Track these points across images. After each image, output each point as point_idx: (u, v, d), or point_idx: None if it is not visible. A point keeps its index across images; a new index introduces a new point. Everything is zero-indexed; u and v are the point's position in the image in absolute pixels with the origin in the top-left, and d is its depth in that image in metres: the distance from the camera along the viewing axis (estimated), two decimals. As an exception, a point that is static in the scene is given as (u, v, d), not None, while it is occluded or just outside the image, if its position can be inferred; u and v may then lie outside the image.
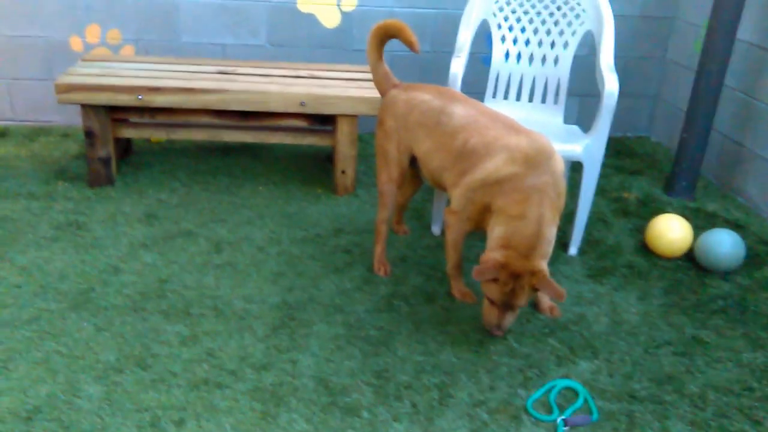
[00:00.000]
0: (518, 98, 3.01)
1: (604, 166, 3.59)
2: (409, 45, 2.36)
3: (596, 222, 3.01)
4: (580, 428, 1.87)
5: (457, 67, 2.68)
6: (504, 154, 2.09)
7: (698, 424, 1.90)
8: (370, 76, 3.30)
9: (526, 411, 1.91)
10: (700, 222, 3.05)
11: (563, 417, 1.88)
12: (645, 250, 2.80)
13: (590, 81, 3.50)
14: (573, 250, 2.75)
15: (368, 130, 3.90)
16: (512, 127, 2.17)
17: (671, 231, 2.70)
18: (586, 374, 2.07)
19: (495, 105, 3.00)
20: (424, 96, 2.35)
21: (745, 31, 3.26)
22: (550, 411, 1.92)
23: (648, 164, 3.73)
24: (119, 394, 1.89)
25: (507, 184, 2.06)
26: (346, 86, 3.11)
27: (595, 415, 1.90)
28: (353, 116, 3.02)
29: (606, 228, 2.98)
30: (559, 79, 2.96)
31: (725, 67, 3.09)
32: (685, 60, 3.81)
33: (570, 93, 3.15)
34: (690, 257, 2.73)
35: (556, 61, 2.95)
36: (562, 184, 2.10)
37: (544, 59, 2.97)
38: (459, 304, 2.38)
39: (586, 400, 1.96)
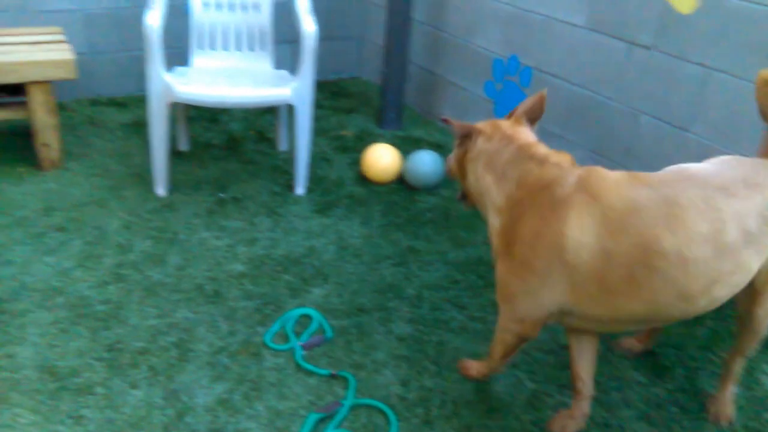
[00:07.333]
0: (226, 48, 3.00)
1: (323, 108, 3.75)
2: None
3: (320, 161, 3.16)
4: (319, 348, 2.00)
5: (153, 19, 2.56)
6: None
7: (417, 320, 2.16)
8: (60, 37, 3.01)
9: (265, 345, 1.99)
10: (409, 148, 3.35)
11: (300, 342, 2.00)
12: (363, 180, 3.02)
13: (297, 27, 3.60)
14: (300, 190, 2.87)
15: (71, 97, 3.58)
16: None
17: (381, 159, 2.95)
18: (318, 300, 2.21)
19: (203, 56, 2.95)
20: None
21: (423, -29, 3.59)
22: (288, 341, 2.03)
23: (361, 102, 3.98)
24: None
25: None
26: (31, 51, 2.81)
27: (329, 333, 2.05)
28: (46, 82, 2.75)
29: (328, 165, 3.15)
30: (262, 26, 2.99)
31: (410, 3, 3.39)
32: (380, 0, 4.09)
33: (280, 40, 3.21)
34: (401, 180, 3.02)
35: (256, 7, 2.98)
36: None
37: (244, 7, 2.97)
38: (192, 265, 2.35)
39: (320, 323, 2.10)
